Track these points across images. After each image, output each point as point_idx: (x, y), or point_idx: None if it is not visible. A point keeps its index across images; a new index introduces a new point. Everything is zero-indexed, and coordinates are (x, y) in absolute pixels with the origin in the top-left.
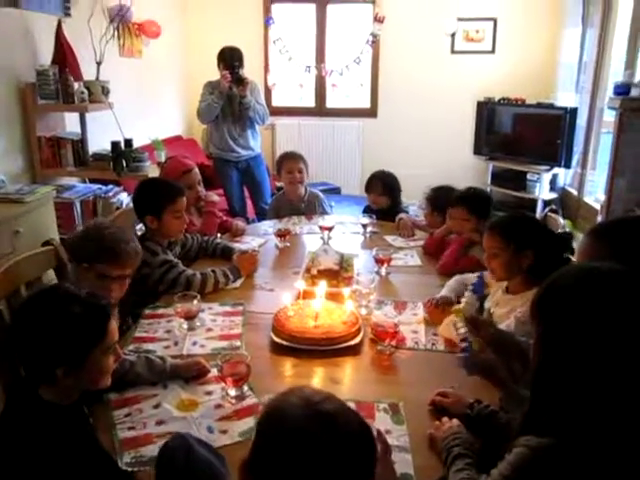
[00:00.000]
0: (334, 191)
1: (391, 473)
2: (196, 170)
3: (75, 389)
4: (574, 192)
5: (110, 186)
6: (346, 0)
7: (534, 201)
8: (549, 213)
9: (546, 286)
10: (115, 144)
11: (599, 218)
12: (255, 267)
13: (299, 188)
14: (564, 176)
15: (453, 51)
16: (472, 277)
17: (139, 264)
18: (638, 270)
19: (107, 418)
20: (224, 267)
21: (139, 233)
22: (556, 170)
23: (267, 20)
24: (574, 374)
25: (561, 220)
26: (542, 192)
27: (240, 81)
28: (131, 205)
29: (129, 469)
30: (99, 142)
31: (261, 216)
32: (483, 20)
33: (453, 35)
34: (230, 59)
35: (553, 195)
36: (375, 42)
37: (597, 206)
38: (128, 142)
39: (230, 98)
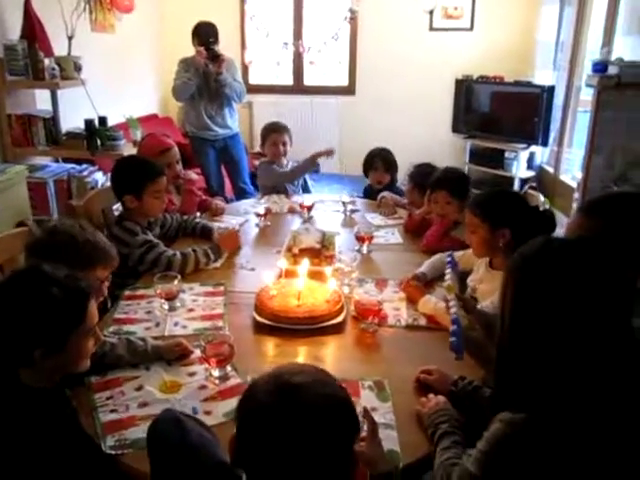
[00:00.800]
0: (312, 170)
1: (378, 451)
2: (175, 148)
3: (54, 372)
4: (551, 170)
5: (84, 165)
6: None
7: (511, 179)
8: (529, 190)
9: (514, 257)
10: (89, 122)
11: (576, 195)
12: (238, 245)
13: (282, 160)
14: (541, 154)
15: (432, 28)
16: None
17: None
18: (602, 241)
19: (88, 401)
20: (205, 246)
21: (116, 213)
22: (533, 148)
23: None
24: (539, 347)
25: (541, 197)
26: (519, 170)
27: (216, 58)
28: (107, 184)
29: (112, 452)
30: (72, 120)
31: (240, 195)
32: None
33: (431, 12)
34: (205, 35)
35: (530, 173)
36: (353, 19)
37: (574, 184)
38: (102, 120)
39: (206, 75)
